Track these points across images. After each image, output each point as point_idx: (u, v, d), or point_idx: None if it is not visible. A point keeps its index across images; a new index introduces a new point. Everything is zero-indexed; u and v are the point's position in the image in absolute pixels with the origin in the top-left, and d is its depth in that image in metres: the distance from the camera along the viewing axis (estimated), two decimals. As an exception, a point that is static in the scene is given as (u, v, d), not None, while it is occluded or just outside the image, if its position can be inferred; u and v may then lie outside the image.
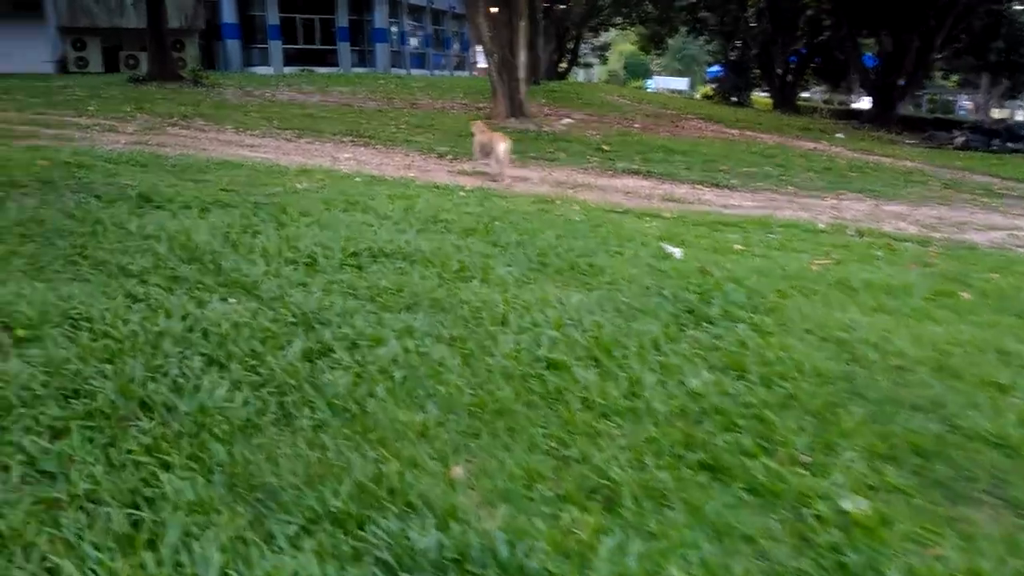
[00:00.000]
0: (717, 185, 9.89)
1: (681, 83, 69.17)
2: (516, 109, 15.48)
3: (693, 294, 4.35)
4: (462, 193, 7.45)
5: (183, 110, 13.51)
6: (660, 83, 67.58)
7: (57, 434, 2.40)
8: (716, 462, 2.66)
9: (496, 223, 5.84)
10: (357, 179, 7.79)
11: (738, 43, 40.14)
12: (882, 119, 25.87)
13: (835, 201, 9.60)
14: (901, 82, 25.98)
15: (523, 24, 15.34)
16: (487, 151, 9.28)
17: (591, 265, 4.84)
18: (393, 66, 35.31)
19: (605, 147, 12.57)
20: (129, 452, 2.32)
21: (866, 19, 25.17)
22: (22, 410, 2.45)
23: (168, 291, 3.56)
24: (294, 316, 3.43)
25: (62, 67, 28.03)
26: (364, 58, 34.90)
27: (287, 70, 31.19)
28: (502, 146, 9.03)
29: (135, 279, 3.69)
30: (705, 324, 3.93)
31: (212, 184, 6.44)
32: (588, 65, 60.72)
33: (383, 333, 3.35)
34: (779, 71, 35.84)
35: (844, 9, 25.87)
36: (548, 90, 25.57)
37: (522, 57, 15.56)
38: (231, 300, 3.54)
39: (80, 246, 4.15)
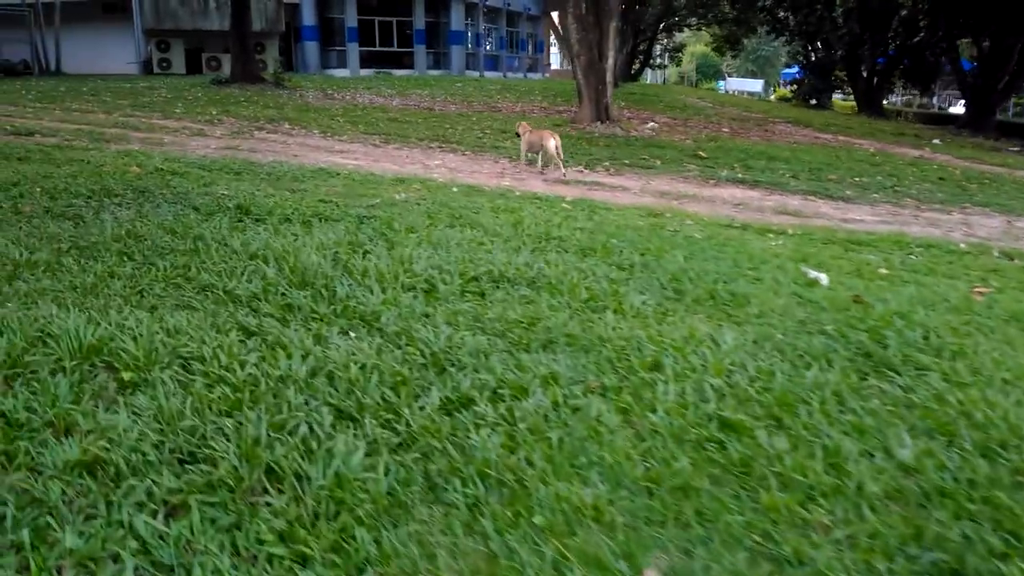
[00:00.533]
0: (831, 196, 9.19)
1: (755, 85, 67.42)
2: (602, 113, 14.96)
3: (861, 332, 3.78)
4: (565, 205, 6.99)
5: (268, 113, 13.42)
6: (733, 85, 65.92)
7: (173, 510, 2.02)
8: (960, 565, 2.13)
9: (612, 241, 5.36)
10: (454, 189, 7.41)
11: (819, 44, 38.74)
12: (979, 125, 24.44)
13: (962, 216, 8.81)
14: (1000, 86, 24.48)
15: (614, 25, 14.81)
16: (535, 149, 9.57)
17: (732, 294, 4.31)
18: (467, 68, 35.16)
19: (701, 154, 11.95)
20: (260, 540, 1.91)
21: (967, 20, 23.80)
22: (133, 480, 2.08)
23: (283, 323, 3.19)
24: (423, 356, 3.01)
25: (147, 68, 28.68)
26: (439, 60, 34.83)
27: (363, 72, 31.32)
28: (552, 142, 9.18)
29: (245, 308, 3.34)
30: (888, 372, 3.37)
31: (310, 194, 6.14)
32: (661, 66, 59.76)
33: (525, 380, 2.90)
34: (864, 73, 34.38)
35: (943, 10, 24.52)
36: (625, 92, 24.93)
37: (610, 60, 15.03)
38: (352, 335, 3.14)
39: (183, 267, 3.83)
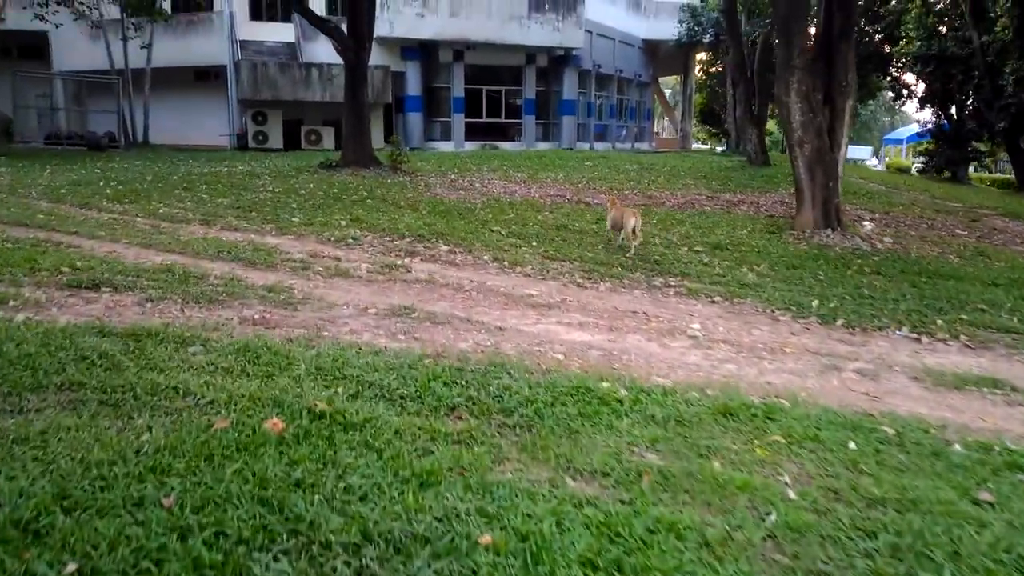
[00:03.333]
0: None
1: (863, 152, 63.00)
2: (831, 218, 11.36)
3: None
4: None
5: (408, 221, 10.25)
6: (839, 152, 61.15)
7: None
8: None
9: None
10: (818, 429, 3.84)
11: (953, 112, 34.83)
12: None
13: None
14: None
15: (850, 104, 11.31)
16: (617, 227, 9.74)
17: None
18: (578, 140, 32.16)
19: None
20: None
21: None
22: None
23: None
24: None
25: (241, 142, 26.43)
26: (548, 132, 31.94)
27: (468, 145, 28.57)
28: (632, 221, 9.35)
29: None
30: None
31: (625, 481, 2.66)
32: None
33: None
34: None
35: None
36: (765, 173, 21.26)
37: (843, 149, 11.50)
38: None
39: None
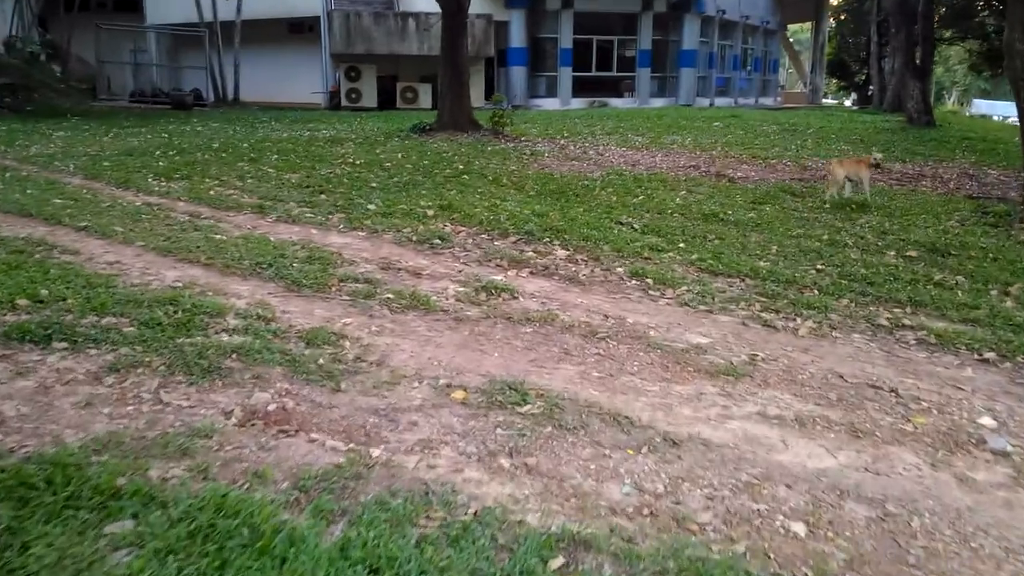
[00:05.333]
0: None
1: (1010, 108, 56.21)
2: (1083, 207, 8.33)
3: None
4: None
5: (515, 210, 7.91)
6: (982, 108, 55.04)
7: None
8: None
9: None
10: None
11: None
12: None
13: None
14: None
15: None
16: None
17: None
18: (698, 95, 28.91)
19: None
20: None
21: None
22: None
23: None
24: None
25: (333, 100, 24.59)
26: (664, 87, 28.80)
27: (575, 103, 25.90)
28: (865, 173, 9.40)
29: None
30: None
31: None
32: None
33: None
34: None
35: None
36: (928, 139, 17.73)
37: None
38: None
39: None
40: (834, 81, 47.35)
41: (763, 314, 5.36)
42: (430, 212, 7.61)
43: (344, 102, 24.05)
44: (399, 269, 5.78)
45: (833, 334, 5.09)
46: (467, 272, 5.83)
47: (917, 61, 19.84)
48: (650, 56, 27.84)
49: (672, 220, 8.11)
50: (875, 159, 10.02)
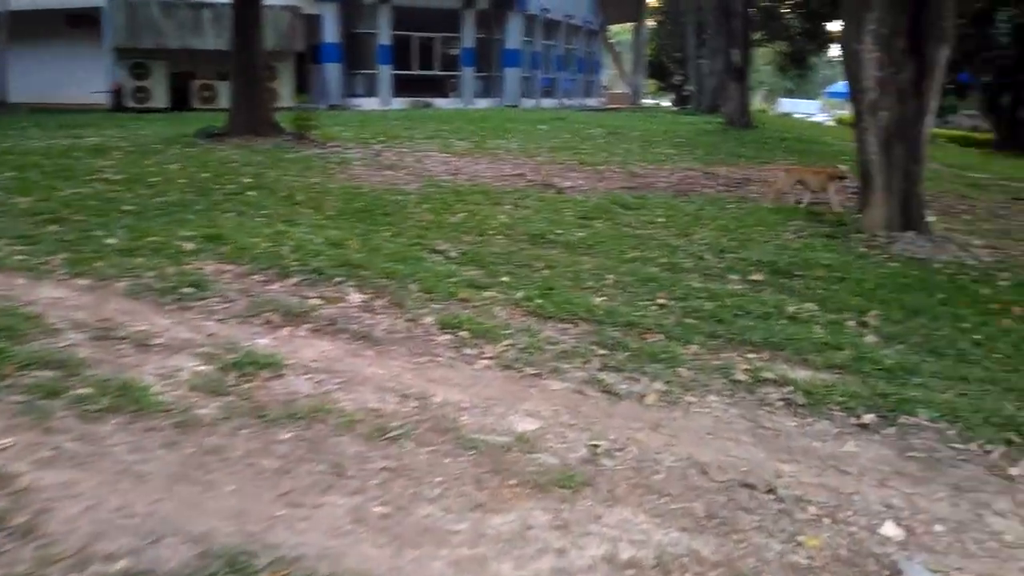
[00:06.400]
0: None
1: (811, 107, 60.59)
2: (913, 216, 8.03)
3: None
4: None
5: (304, 239, 6.45)
6: (786, 107, 58.96)
7: None
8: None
9: None
10: None
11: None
12: None
13: None
14: None
15: (946, 56, 7.87)
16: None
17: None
18: (523, 96, 28.34)
19: None
20: None
21: None
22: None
23: None
24: None
25: (117, 100, 21.72)
26: (489, 87, 27.97)
27: (396, 103, 24.49)
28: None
29: None
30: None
31: None
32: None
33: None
34: (1007, 102, 27.68)
35: None
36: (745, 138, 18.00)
37: (930, 117, 8.11)
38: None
39: None
40: (653, 82, 48.79)
41: (603, 375, 4.28)
42: (189, 246, 6.00)
43: (130, 102, 21.25)
44: (121, 338, 4.21)
45: (686, 399, 4.09)
46: (219, 337, 4.35)
47: (735, 62, 20.05)
48: (474, 55, 26.88)
49: (495, 244, 6.97)
50: (840, 171, 9.42)
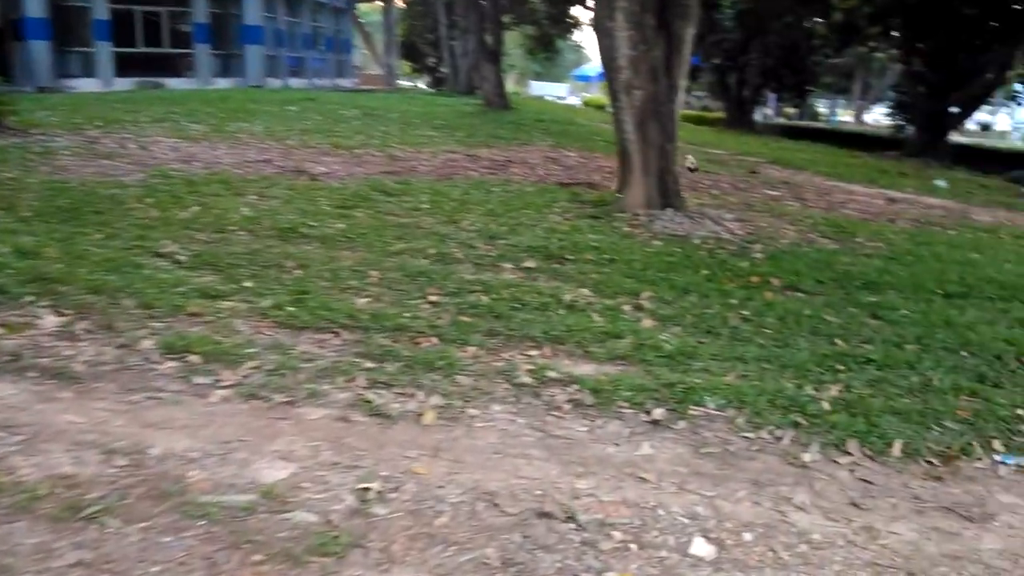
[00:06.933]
0: None
1: (561, 89, 63.43)
2: (669, 193, 8.18)
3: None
4: None
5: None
6: (537, 90, 61.35)
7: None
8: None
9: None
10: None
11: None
12: (933, 150, 20.60)
13: None
14: (953, 108, 20.86)
15: (691, 34, 8.04)
16: None
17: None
18: (268, 75, 26.55)
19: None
20: None
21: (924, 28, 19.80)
22: None
23: None
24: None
25: None
26: (229, 66, 25.84)
27: (120, 83, 21.85)
28: None
29: None
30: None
31: None
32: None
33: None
34: (735, 84, 30.48)
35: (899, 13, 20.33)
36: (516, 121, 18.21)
37: (681, 95, 8.29)
38: None
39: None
40: (407, 63, 48.22)
41: (371, 394, 3.65)
42: None
43: None
44: None
45: (468, 411, 3.59)
46: None
47: (488, 43, 19.98)
48: (208, 31, 24.61)
49: (236, 242, 6.04)
50: (690, 163, 9.03)
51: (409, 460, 3.13)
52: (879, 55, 36.05)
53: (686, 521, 2.86)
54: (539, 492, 2.96)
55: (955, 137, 23.67)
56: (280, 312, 4.52)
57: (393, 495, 2.87)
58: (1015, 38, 18.75)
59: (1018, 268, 6.91)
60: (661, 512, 2.90)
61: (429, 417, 3.48)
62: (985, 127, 42.03)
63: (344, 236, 6.33)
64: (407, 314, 4.62)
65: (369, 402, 3.56)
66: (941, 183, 15.91)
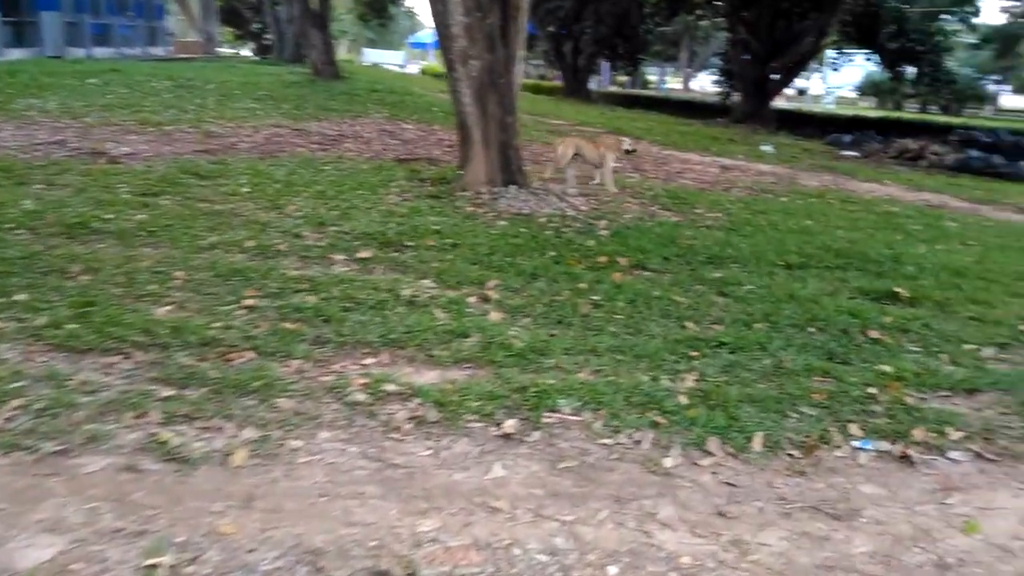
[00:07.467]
0: None
1: (397, 57, 61.90)
2: (511, 169, 7.83)
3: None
4: None
5: None
6: (372, 57, 59.59)
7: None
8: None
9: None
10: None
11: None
12: (759, 116, 21.60)
13: None
14: (775, 74, 21.90)
15: (526, 2, 7.65)
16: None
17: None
18: (69, 45, 23.92)
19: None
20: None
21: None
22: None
23: None
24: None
25: None
26: (23, 35, 23.01)
27: None
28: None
29: None
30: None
31: None
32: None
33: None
34: (570, 52, 30.68)
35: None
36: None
37: (519, 67, 7.90)
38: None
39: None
40: (229, 30, 45.18)
41: (166, 432, 3.03)
42: None
43: None
44: None
45: (289, 444, 3.06)
46: None
47: (313, 8, 18.80)
48: (-7, -5, 21.69)
49: (12, 244, 5.10)
50: (627, 146, 8.26)
51: (214, 516, 2.57)
52: (704, 23, 37.45)
53: (545, 559, 2.51)
54: (374, 544, 2.50)
55: (777, 102, 24.91)
56: (58, 332, 3.76)
57: (190, 569, 2.31)
58: (831, 6, 19.81)
59: (850, 234, 7.11)
60: (517, 551, 2.53)
61: (240, 457, 2.92)
62: (801, 92, 44.90)
63: (145, 230, 5.51)
64: (217, 324, 3.98)
65: (164, 443, 2.94)
66: (768, 148, 16.59)
